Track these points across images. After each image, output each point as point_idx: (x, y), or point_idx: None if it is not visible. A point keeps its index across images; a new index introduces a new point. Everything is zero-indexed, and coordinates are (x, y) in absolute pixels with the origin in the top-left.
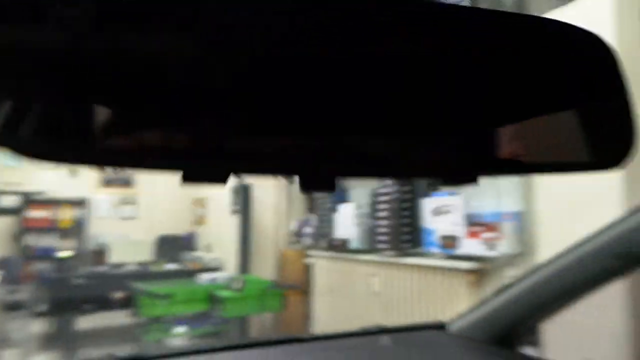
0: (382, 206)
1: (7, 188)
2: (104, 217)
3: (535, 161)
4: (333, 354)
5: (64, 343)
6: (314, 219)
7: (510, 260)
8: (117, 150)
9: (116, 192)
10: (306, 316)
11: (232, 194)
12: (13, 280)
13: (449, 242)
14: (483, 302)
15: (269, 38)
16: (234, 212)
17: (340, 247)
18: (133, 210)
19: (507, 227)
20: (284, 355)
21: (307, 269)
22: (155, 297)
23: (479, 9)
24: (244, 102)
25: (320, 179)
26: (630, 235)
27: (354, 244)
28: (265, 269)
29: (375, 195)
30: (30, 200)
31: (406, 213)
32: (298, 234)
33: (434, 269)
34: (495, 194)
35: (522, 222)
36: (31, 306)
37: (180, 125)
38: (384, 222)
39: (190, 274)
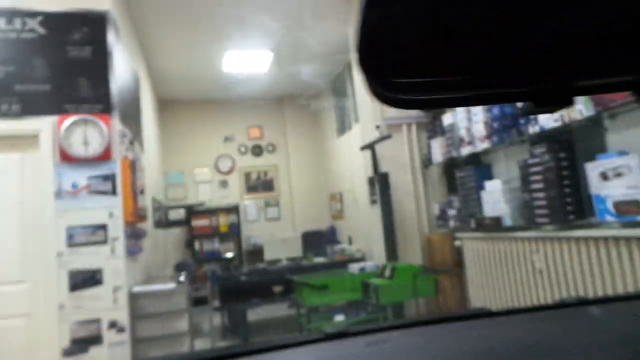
0: (535, 177)
1: (175, 203)
2: (252, 220)
3: None
4: (545, 325)
5: (240, 333)
6: (456, 200)
7: None
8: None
9: (260, 197)
10: (462, 299)
11: (368, 185)
12: (191, 280)
13: (628, 208)
14: None
15: None
16: (373, 202)
17: (491, 226)
18: (276, 212)
19: None
20: (474, 329)
21: (456, 252)
22: (313, 288)
23: None
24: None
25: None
26: None
27: (507, 221)
28: (411, 255)
29: (525, 166)
30: (193, 211)
31: (567, 182)
32: (442, 217)
33: (609, 239)
34: None
35: None
36: (210, 301)
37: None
38: (541, 195)
39: (338, 265)
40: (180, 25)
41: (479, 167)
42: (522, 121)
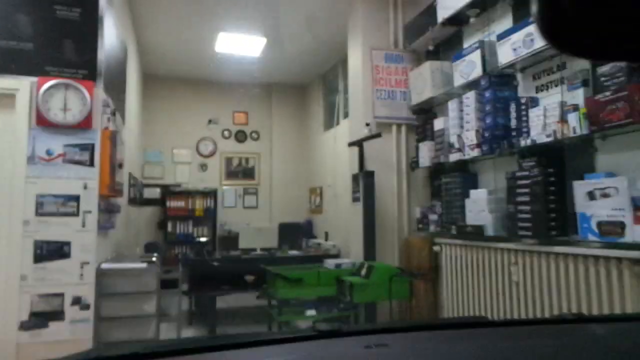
0: (522, 190)
1: (151, 181)
2: (229, 206)
3: None
4: (545, 340)
5: (207, 320)
6: (439, 205)
7: None
8: None
9: (239, 184)
10: (435, 305)
11: (352, 182)
12: (161, 261)
13: (611, 229)
14: None
15: None
16: (355, 199)
17: (473, 234)
18: (254, 200)
19: None
20: (475, 339)
21: (433, 257)
22: (287, 280)
23: None
24: None
25: None
26: None
27: (489, 230)
28: (388, 256)
29: (513, 178)
30: (169, 192)
31: (552, 197)
32: (422, 221)
33: (589, 258)
34: None
35: None
36: (179, 285)
37: None
38: (525, 208)
39: (312, 259)
40: (174, 1)
41: (466, 174)
42: (513, 133)
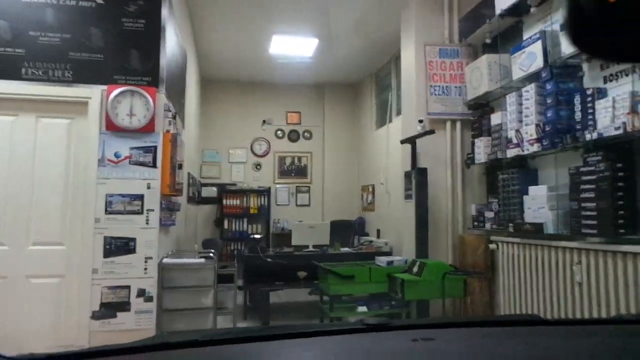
0: (587, 186)
1: (208, 181)
2: (282, 204)
3: None
4: (603, 340)
5: (260, 314)
6: (495, 202)
7: None
8: None
9: (292, 182)
10: (490, 304)
11: (404, 180)
12: (218, 257)
13: None
14: None
15: None
16: (408, 197)
17: (532, 232)
18: (307, 198)
19: None
20: (525, 337)
21: (489, 255)
22: (339, 276)
23: None
24: None
25: None
26: None
27: (549, 228)
28: (441, 254)
29: (577, 174)
30: (225, 190)
31: (621, 194)
32: (478, 219)
33: None
34: None
35: None
36: (235, 280)
37: None
38: (591, 205)
39: (364, 256)
40: (230, 7)
41: (525, 170)
42: (577, 127)
